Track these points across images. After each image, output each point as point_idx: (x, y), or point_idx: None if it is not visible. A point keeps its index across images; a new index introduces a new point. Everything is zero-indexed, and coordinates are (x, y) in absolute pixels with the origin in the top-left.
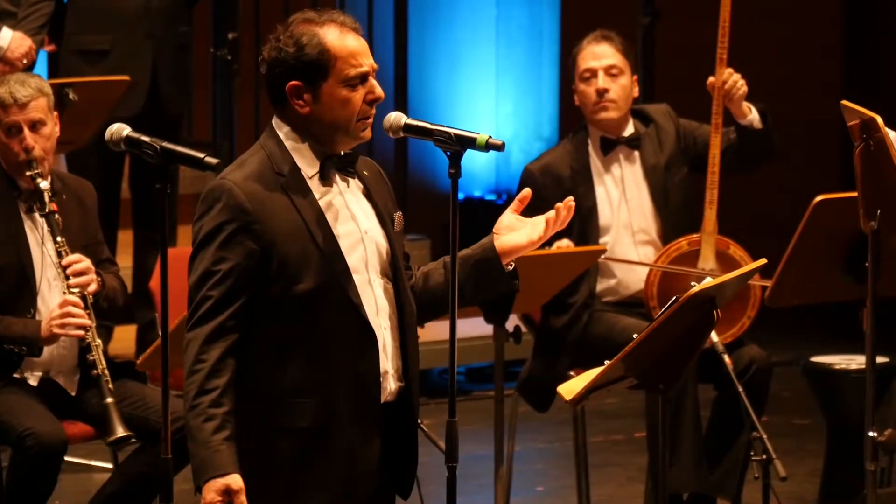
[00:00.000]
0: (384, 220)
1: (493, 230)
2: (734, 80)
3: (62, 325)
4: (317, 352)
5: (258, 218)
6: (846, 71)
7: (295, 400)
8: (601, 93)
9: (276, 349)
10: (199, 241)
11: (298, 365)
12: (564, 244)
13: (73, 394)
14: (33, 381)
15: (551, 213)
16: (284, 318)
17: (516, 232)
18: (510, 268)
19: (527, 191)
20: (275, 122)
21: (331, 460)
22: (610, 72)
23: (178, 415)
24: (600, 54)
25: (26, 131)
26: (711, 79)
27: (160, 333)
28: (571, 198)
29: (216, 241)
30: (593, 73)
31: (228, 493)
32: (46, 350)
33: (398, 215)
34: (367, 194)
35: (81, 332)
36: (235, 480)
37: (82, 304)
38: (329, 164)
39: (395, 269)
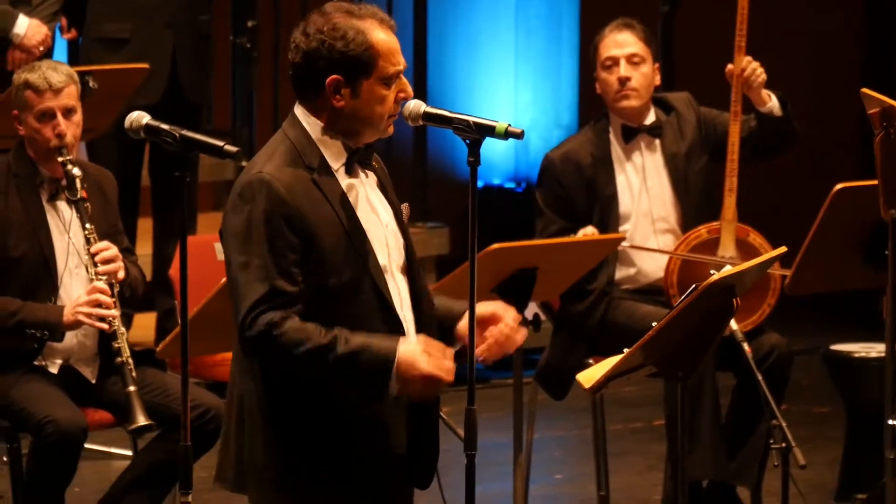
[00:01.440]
0: (398, 215)
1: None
2: (753, 68)
3: (88, 314)
4: None
5: (298, 212)
6: (867, 59)
7: (326, 391)
8: (623, 81)
9: None
10: (241, 236)
11: None
12: (589, 231)
13: (93, 381)
14: (53, 369)
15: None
16: (318, 310)
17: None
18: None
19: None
20: (299, 112)
21: (360, 447)
22: (632, 60)
23: (197, 402)
24: (622, 42)
25: (60, 117)
26: (730, 66)
27: (180, 321)
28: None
29: (262, 233)
30: (615, 61)
31: (428, 352)
32: (67, 338)
33: (405, 206)
34: (381, 187)
35: (105, 326)
36: (414, 344)
37: (110, 292)
38: (354, 157)
39: (410, 263)
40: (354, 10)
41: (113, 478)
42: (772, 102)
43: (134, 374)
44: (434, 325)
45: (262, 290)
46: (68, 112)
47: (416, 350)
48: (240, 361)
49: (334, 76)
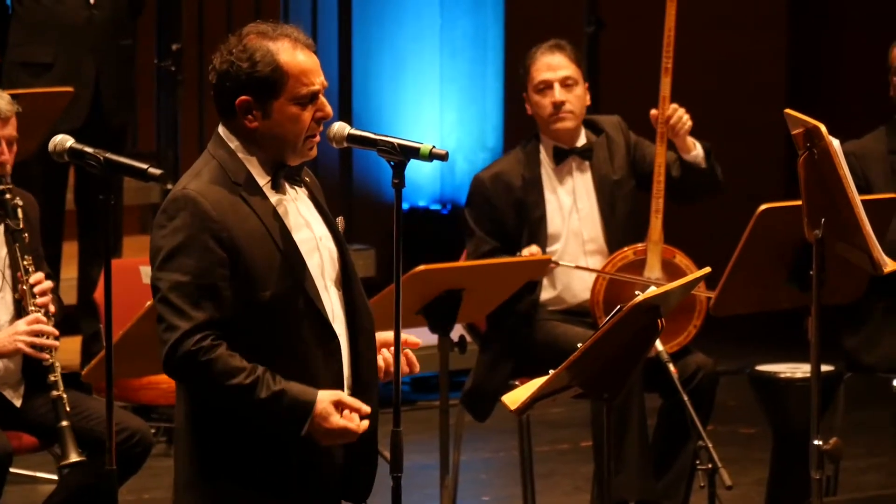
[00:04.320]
0: (333, 227)
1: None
2: (679, 115)
3: (30, 343)
4: (283, 358)
5: (224, 226)
6: (791, 79)
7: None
8: (558, 105)
9: (243, 355)
10: (167, 252)
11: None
12: (535, 250)
13: (19, 405)
14: None
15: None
16: (250, 325)
17: None
18: None
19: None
20: (223, 132)
21: (296, 463)
22: (565, 83)
23: (122, 425)
24: (556, 66)
25: (3, 146)
26: (654, 111)
27: (105, 344)
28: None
29: (187, 251)
30: (549, 84)
31: (341, 406)
32: None
33: (340, 220)
34: (314, 200)
35: (46, 356)
36: (330, 395)
37: (47, 322)
38: (280, 172)
39: (346, 277)
40: (269, 32)
41: (38, 502)
42: (696, 151)
43: (68, 408)
44: (372, 335)
45: (189, 311)
46: (10, 142)
47: (330, 406)
48: (178, 388)
49: (243, 97)
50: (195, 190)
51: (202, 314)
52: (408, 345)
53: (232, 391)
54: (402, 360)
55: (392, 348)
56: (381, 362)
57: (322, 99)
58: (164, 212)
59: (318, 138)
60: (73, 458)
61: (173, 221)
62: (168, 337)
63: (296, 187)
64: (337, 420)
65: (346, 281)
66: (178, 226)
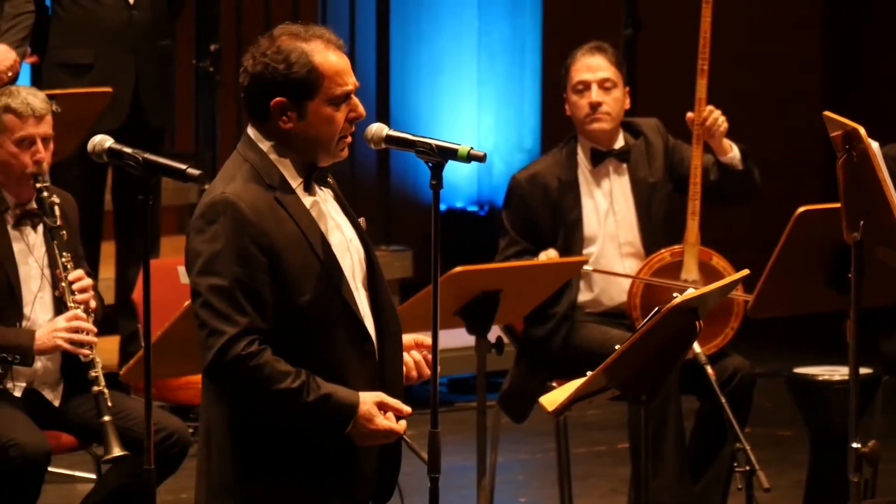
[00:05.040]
0: (359, 228)
1: None
2: (714, 118)
3: (69, 340)
4: (320, 361)
5: (263, 230)
6: (829, 80)
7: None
8: (594, 106)
9: (281, 357)
10: (207, 257)
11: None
12: (552, 254)
13: (57, 405)
14: (17, 392)
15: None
16: (287, 329)
17: None
18: None
19: None
20: (253, 134)
21: (336, 463)
22: (604, 85)
23: (160, 425)
24: (594, 67)
25: (39, 144)
26: (690, 114)
27: (143, 344)
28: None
29: (229, 256)
30: (587, 85)
31: (383, 406)
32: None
33: (362, 220)
34: (338, 201)
35: (86, 351)
36: (372, 396)
37: (87, 319)
38: (312, 174)
39: (373, 278)
40: (301, 32)
41: (76, 501)
42: (733, 153)
43: (110, 403)
44: (399, 336)
45: (234, 315)
46: (46, 140)
47: (374, 407)
48: (208, 391)
49: (279, 98)
50: (233, 194)
51: (246, 319)
52: (423, 347)
53: (279, 395)
54: (422, 362)
55: (412, 352)
56: None
57: (355, 99)
58: (203, 216)
59: (350, 139)
60: (116, 452)
61: (213, 226)
62: (214, 342)
63: (324, 188)
64: (382, 421)
65: (372, 282)
66: (219, 231)
